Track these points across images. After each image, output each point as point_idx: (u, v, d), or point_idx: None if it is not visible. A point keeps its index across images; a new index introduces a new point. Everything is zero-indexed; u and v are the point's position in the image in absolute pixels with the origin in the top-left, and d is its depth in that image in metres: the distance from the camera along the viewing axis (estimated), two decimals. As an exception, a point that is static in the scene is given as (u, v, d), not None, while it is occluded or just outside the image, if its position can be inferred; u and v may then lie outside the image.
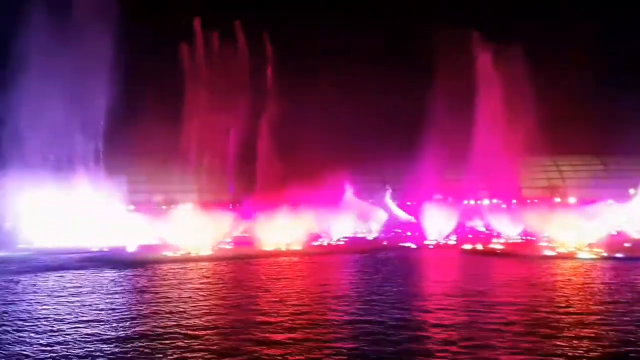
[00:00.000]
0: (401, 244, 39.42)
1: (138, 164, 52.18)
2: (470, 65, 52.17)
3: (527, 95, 49.02)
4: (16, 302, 16.89)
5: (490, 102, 51.82)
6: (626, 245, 32.27)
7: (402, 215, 54.76)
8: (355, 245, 39.74)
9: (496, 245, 37.04)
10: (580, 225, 31.72)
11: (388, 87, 56.09)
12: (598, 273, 22.53)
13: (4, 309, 15.74)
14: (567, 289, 18.20)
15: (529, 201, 54.74)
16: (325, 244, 41.24)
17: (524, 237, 40.68)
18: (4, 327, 13.31)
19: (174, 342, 11.72)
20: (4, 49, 42.83)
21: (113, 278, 23.12)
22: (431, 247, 38.11)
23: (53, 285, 21.07)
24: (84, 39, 44.07)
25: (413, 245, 38.26)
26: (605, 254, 28.40)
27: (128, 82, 46.11)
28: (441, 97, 49.02)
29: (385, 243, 41.25)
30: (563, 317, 13.66)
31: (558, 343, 11.19)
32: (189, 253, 34.17)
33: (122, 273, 24.79)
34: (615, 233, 36.83)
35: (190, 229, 35.58)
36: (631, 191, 50.99)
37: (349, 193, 53.61)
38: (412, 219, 50.55)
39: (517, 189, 58.72)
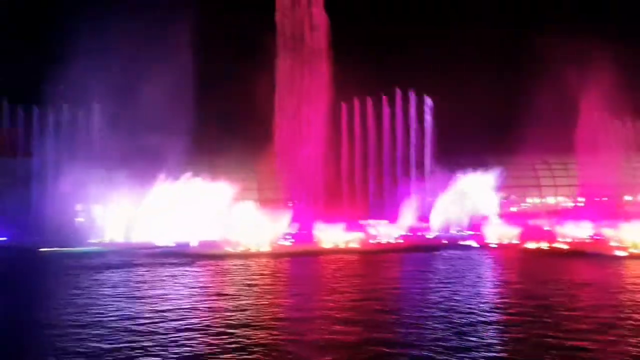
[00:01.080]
0: (461, 242, 38.65)
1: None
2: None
3: None
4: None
5: None
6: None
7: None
8: (413, 244, 39.29)
9: (562, 244, 35.65)
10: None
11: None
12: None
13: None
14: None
15: (597, 199, 52.36)
16: (383, 242, 40.96)
17: (592, 237, 39.01)
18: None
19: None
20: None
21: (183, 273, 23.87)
22: (493, 246, 37.14)
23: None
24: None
25: (475, 244, 37.43)
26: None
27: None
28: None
29: (445, 242, 40.55)
30: None
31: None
32: (249, 249, 34.81)
33: (191, 268, 25.58)
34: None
35: (251, 226, 36.27)
36: None
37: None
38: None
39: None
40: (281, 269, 25.33)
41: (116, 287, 19.08)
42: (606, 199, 42.37)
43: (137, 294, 17.76)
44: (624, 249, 30.09)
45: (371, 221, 46.23)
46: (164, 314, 14.23)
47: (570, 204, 58.27)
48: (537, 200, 59.15)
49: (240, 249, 34.65)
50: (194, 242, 37.51)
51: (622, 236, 32.82)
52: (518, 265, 25.63)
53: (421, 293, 17.21)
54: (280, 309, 14.90)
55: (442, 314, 13.77)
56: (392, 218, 48.87)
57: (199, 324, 13.15)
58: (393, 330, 12.35)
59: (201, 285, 19.79)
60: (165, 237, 40.29)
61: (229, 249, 34.28)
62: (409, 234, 47.80)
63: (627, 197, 55.53)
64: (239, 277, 21.61)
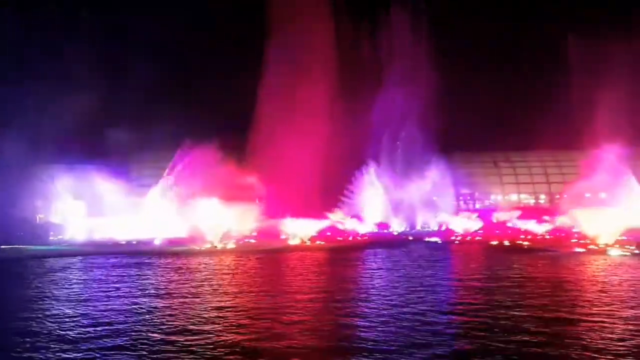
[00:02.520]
0: (427, 239, 39.12)
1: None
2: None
3: None
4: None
5: None
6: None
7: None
8: (379, 240, 39.61)
9: (523, 241, 36.47)
10: (609, 221, 31.01)
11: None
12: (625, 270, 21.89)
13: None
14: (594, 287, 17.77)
15: (557, 197, 53.70)
16: (350, 238, 41.21)
17: (553, 234, 40.02)
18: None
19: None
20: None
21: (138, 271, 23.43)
22: (457, 242, 37.72)
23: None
24: None
25: (439, 240, 37.93)
26: (637, 251, 27.69)
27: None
28: None
29: (410, 238, 41.04)
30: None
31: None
32: (215, 246, 34.53)
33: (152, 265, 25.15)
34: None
35: (215, 223, 36.00)
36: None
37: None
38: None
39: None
40: (240, 266, 24.94)
41: (62, 288, 18.17)
42: (566, 196, 43.38)
43: (84, 294, 16.90)
44: (583, 245, 30.89)
45: (339, 217, 46.47)
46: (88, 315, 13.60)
47: (531, 201, 59.60)
48: (499, 197, 60.24)
49: (205, 246, 34.36)
50: (158, 240, 37.02)
51: (582, 233, 33.81)
52: (478, 261, 25.97)
53: (372, 291, 17.20)
54: (216, 311, 14.11)
55: (391, 312, 13.75)
56: (360, 213, 49.27)
57: (120, 324, 12.57)
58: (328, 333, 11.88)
59: (148, 284, 18.91)
60: (128, 234, 39.73)
61: (193, 246, 33.96)
62: (376, 230, 48.28)
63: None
64: (191, 276, 20.93)
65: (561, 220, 38.89)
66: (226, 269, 23.77)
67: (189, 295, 16.50)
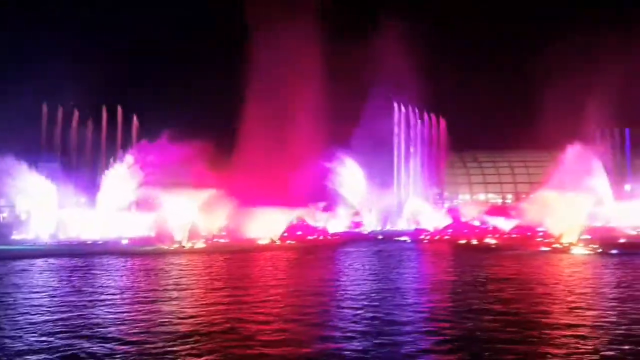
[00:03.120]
0: (396, 238, 39.39)
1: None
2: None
3: None
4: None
5: None
6: (621, 240, 32.25)
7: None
8: (349, 239, 39.73)
9: (491, 239, 37.04)
10: (573, 220, 31.71)
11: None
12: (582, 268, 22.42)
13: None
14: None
15: (524, 196, 54.75)
16: (320, 237, 41.22)
17: (519, 233, 40.81)
18: None
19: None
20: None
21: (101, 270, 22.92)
22: (426, 241, 38.08)
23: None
24: None
25: (408, 239, 38.22)
26: (599, 250, 28.36)
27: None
28: None
29: (380, 237, 41.26)
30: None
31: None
32: (183, 246, 34.11)
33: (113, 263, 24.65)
34: (608, 227, 37.06)
35: (183, 221, 35.58)
36: (626, 187, 51.19)
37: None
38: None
39: None
40: (203, 267, 24.40)
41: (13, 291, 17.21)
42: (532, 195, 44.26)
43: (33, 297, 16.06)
44: (547, 244, 31.51)
45: (309, 215, 46.40)
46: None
47: (499, 200, 60.66)
48: (467, 196, 61.16)
49: (173, 246, 33.91)
50: (125, 239, 36.38)
51: (547, 231, 34.54)
52: (446, 261, 26.26)
53: (341, 291, 17.18)
54: (148, 315, 13.28)
55: (358, 312, 13.74)
56: (331, 210, 49.26)
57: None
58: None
59: (97, 286, 18.16)
60: (94, 233, 38.94)
61: (161, 246, 33.44)
62: (347, 228, 48.49)
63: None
64: (147, 278, 20.34)
65: (528, 208, 39.46)
66: (192, 271, 23.46)
67: (148, 302, 16.02)
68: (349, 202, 51.61)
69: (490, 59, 63.27)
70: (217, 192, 37.64)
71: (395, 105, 56.83)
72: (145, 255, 29.23)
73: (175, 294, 16.50)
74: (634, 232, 38.30)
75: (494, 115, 56.54)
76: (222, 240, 37.92)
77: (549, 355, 9.74)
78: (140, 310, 13.90)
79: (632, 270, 21.41)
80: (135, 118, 55.52)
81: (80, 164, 52.85)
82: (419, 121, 57.27)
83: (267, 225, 37.53)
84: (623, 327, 11.55)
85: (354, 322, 12.51)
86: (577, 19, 60.05)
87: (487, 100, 58.48)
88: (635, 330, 11.32)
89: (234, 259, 27.66)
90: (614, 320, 12.35)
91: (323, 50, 52.42)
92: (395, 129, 56.58)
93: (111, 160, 46.25)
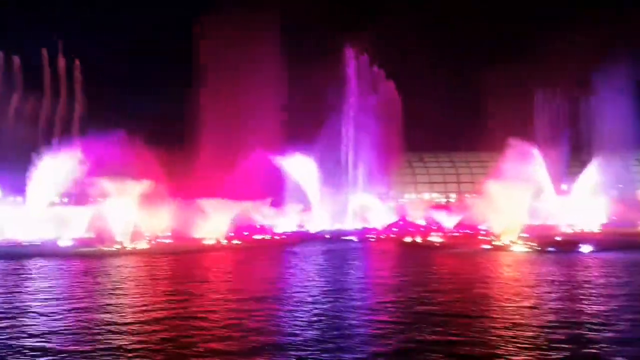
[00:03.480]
0: (343, 237, 39.54)
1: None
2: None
3: None
4: None
5: None
6: (557, 238, 33.49)
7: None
8: (296, 239, 39.60)
9: (435, 238, 37.76)
10: (513, 216, 32.70)
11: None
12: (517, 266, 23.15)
13: None
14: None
15: (467, 196, 56.14)
16: (268, 237, 40.87)
17: (463, 231, 41.83)
18: None
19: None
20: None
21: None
22: (372, 240, 38.41)
23: None
24: None
25: (355, 239, 38.44)
26: (537, 247, 29.35)
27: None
28: None
29: (328, 236, 41.31)
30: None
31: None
32: (125, 247, 33.10)
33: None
34: (546, 225, 38.48)
35: (125, 221, 34.53)
36: (563, 187, 53.30)
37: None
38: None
39: None
40: (145, 270, 23.62)
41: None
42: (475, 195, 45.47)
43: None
44: (488, 242, 32.40)
45: (255, 210, 45.69)
46: None
47: (443, 200, 62.01)
48: (413, 195, 62.25)
49: (114, 247, 32.85)
50: (64, 240, 34.88)
51: (488, 230, 35.51)
52: (393, 260, 26.59)
53: (287, 291, 17.08)
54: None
55: (304, 311, 13.68)
56: (278, 206, 48.83)
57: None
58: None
59: (31, 292, 17.38)
60: (33, 234, 37.16)
61: (102, 247, 32.32)
62: (295, 228, 48.32)
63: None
64: (84, 283, 19.59)
65: (471, 204, 40.52)
66: (134, 274, 22.76)
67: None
68: (297, 198, 51.57)
69: (438, 63, 64.41)
70: (157, 184, 36.65)
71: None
72: (84, 257, 28.15)
73: (113, 300, 15.89)
74: (570, 230, 39.91)
75: (440, 118, 57.71)
76: (166, 241, 37.04)
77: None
78: (75, 319, 13.30)
79: (566, 267, 22.23)
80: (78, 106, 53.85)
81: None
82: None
83: (213, 224, 36.87)
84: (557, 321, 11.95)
85: (297, 325, 12.38)
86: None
87: (432, 104, 59.51)
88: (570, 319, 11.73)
89: (178, 260, 27.01)
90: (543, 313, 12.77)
91: (277, 41, 52.73)
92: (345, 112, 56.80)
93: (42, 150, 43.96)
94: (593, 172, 46.52)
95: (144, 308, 14.43)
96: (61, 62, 56.52)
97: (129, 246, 33.33)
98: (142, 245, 34.00)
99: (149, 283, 19.68)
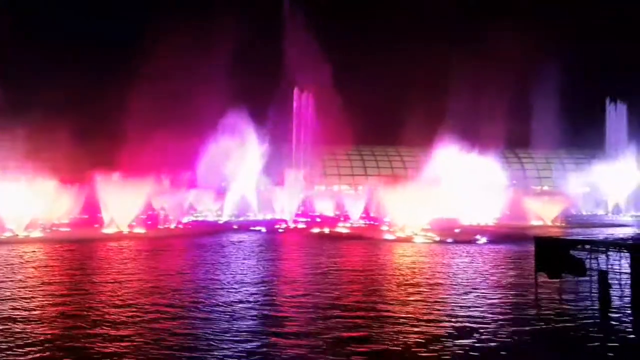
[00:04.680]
0: (252, 228, 39.32)
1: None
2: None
3: None
4: None
5: None
6: (456, 230, 35.20)
7: None
8: (203, 229, 38.93)
9: (342, 229, 38.51)
10: (415, 211, 33.98)
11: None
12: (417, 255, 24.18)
13: None
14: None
15: (373, 188, 57.77)
16: (172, 226, 39.87)
17: (369, 221, 42.90)
18: None
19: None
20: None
21: None
22: (281, 230, 38.49)
23: None
24: None
25: (263, 229, 38.35)
26: (437, 239, 30.68)
27: None
28: None
29: (236, 227, 40.91)
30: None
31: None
32: (16, 235, 31.07)
33: None
34: (448, 218, 40.31)
35: (18, 207, 32.37)
36: (465, 182, 56.03)
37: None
38: None
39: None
40: (35, 260, 22.19)
41: None
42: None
43: None
44: (392, 233, 33.52)
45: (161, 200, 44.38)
46: None
47: (352, 191, 63.40)
48: (322, 187, 63.20)
49: (5, 234, 30.77)
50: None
51: (392, 221, 36.71)
52: (301, 250, 26.77)
53: (186, 284, 16.81)
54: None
55: (204, 304, 13.55)
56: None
57: None
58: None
59: None
60: None
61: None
62: (200, 217, 47.48)
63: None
64: None
65: (377, 194, 41.81)
66: (20, 266, 21.42)
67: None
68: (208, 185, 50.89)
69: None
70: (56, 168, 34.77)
71: None
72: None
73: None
74: (469, 223, 41.99)
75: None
76: (63, 229, 35.12)
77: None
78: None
79: (459, 255, 23.47)
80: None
81: None
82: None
83: (114, 212, 35.31)
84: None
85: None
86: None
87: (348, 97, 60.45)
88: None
89: (74, 250, 25.62)
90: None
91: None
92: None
93: None
94: (491, 169, 49.23)
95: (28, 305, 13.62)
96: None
97: (21, 234, 31.34)
98: (36, 233, 32.05)
99: (35, 278, 18.39)
